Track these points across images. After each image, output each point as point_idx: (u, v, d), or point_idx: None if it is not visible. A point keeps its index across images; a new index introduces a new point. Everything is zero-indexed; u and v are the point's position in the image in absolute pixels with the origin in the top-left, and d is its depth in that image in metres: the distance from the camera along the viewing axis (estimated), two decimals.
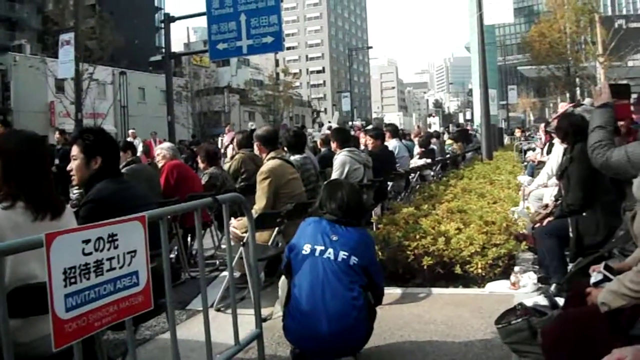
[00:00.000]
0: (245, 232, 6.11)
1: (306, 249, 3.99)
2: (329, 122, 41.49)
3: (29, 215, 3.07)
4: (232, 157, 10.13)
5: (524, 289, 5.78)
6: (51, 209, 3.18)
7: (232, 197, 3.75)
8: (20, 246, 2.32)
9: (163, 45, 30.83)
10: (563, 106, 10.90)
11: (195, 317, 5.81)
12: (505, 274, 6.07)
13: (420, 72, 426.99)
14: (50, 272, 2.18)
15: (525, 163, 17.01)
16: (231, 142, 23.65)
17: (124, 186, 4.22)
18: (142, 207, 3.23)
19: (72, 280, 2.27)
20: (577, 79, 48.02)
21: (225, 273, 7.01)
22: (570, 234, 5.45)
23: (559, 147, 8.13)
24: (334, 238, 3.97)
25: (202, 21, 24.91)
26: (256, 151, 7.76)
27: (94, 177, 4.16)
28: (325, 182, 4.84)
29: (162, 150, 8.91)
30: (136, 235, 2.63)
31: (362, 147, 11.26)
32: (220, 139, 28.26)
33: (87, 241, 2.35)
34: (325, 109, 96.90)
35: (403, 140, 14.43)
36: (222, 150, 21.39)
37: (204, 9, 23.11)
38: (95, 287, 2.39)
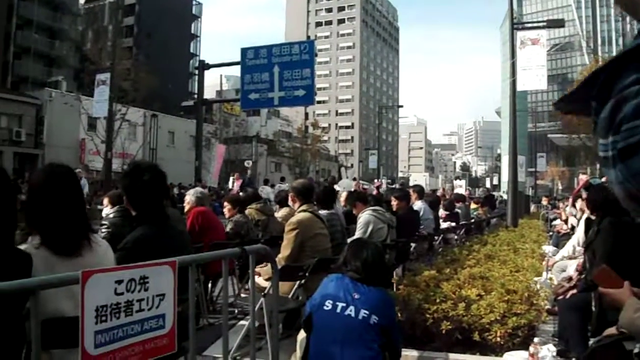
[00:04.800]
0: (269, 279, 6.15)
1: (328, 304, 4.01)
2: (355, 177, 41.55)
3: (54, 253, 3.12)
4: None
5: None
6: (73, 246, 3.21)
7: (259, 248, 3.80)
8: (57, 281, 2.39)
9: (195, 91, 31.25)
10: (582, 179, 10.90)
11: None
12: (524, 345, 5.98)
13: (449, 133, 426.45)
14: (84, 309, 2.24)
15: (551, 233, 16.87)
16: (241, 189, 24.02)
17: (161, 233, 4.07)
18: (175, 255, 3.22)
19: (103, 318, 2.34)
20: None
21: (243, 322, 7.04)
22: (593, 308, 5.40)
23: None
24: (356, 296, 3.99)
25: (236, 70, 25.21)
26: (290, 202, 7.83)
27: (135, 219, 4.15)
28: (350, 241, 4.88)
29: (189, 196, 9.02)
30: (166, 279, 2.69)
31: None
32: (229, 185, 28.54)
33: (120, 281, 2.42)
34: (352, 165, 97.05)
35: None
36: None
37: (238, 58, 23.41)
38: (124, 326, 2.45)
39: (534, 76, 19.83)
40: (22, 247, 3.09)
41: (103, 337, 2.35)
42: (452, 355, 6.05)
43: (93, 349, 2.30)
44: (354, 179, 34.57)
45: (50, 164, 3.61)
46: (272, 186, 28.06)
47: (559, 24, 24.57)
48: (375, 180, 39.90)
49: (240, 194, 22.68)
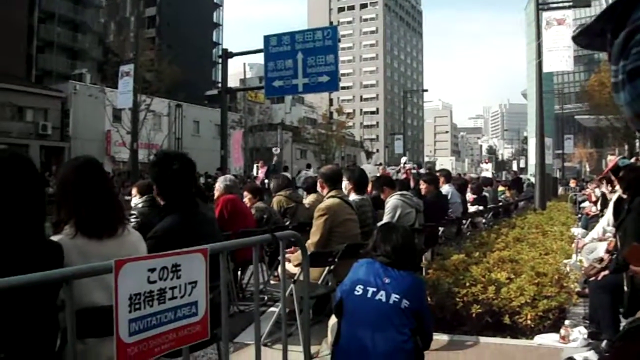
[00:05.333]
0: (298, 265, 6.16)
1: (358, 289, 4.00)
2: (380, 162, 41.42)
3: (87, 239, 3.20)
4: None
5: (574, 343, 5.67)
6: (108, 231, 3.30)
7: (289, 234, 3.80)
8: (91, 271, 2.42)
9: (219, 80, 31.23)
10: (612, 159, 10.78)
11: (242, 350, 5.85)
12: (555, 327, 5.95)
13: (475, 117, 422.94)
14: (117, 297, 2.26)
15: (580, 215, 16.73)
16: (265, 176, 24.14)
17: (190, 221, 4.11)
18: (205, 242, 3.27)
19: (137, 306, 2.35)
20: (637, 131, 47.04)
21: (273, 309, 7.07)
22: (625, 288, 5.35)
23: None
24: (387, 280, 3.98)
25: (259, 57, 25.16)
26: (319, 188, 7.83)
27: (164, 208, 4.19)
28: (379, 225, 4.86)
29: (218, 184, 9.06)
30: (198, 266, 2.70)
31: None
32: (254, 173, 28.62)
33: (152, 270, 2.43)
34: (378, 150, 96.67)
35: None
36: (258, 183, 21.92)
37: (261, 46, 23.38)
38: (157, 314, 2.47)
39: (560, 57, 19.56)
40: (57, 237, 3.14)
41: (137, 325, 2.37)
42: (482, 339, 6.03)
43: (127, 337, 2.32)
44: (380, 164, 34.44)
45: (76, 157, 3.67)
46: (299, 172, 28.12)
47: (585, 3, 24.19)
48: (402, 165, 39.57)
49: (266, 181, 22.89)
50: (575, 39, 1.36)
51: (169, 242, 3.57)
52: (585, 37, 1.32)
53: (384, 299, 3.91)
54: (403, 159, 29.53)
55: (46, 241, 2.96)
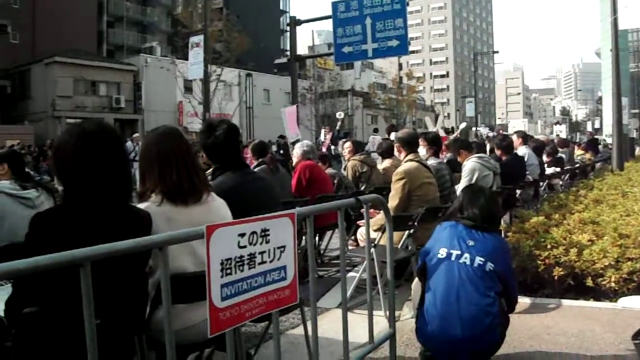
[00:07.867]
0: (378, 229, 6.17)
1: (442, 253, 3.98)
2: (446, 126, 40.75)
3: (173, 206, 3.29)
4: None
5: None
6: (194, 197, 3.39)
7: (373, 197, 3.79)
8: (183, 237, 2.47)
9: (288, 48, 31.15)
10: None
11: (323, 315, 5.88)
12: None
13: (547, 77, 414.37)
14: (210, 262, 2.28)
15: None
16: (331, 141, 24.18)
17: (244, 179, 4.43)
18: (264, 202, 3.33)
19: (228, 271, 2.38)
20: None
21: (352, 274, 7.09)
22: None
23: None
24: (471, 243, 3.94)
25: (326, 24, 25.08)
26: (396, 152, 7.82)
27: (215, 170, 4.49)
28: (465, 187, 4.81)
29: (296, 149, 9.11)
30: (286, 231, 2.72)
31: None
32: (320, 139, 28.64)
33: (242, 235, 2.45)
34: (449, 114, 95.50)
35: None
36: (324, 149, 22.04)
37: (329, 12, 23.28)
38: (247, 279, 2.49)
39: (637, 13, 18.92)
40: (143, 205, 3.20)
41: (228, 289, 2.39)
42: (565, 302, 5.96)
43: (220, 302, 2.35)
44: (443, 128, 33.90)
45: (156, 127, 3.74)
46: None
47: None
48: (475, 129, 38.85)
49: (332, 147, 23.00)
50: None
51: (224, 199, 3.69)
52: None
53: (468, 262, 3.89)
54: (462, 125, 29.11)
55: (134, 210, 3.02)
